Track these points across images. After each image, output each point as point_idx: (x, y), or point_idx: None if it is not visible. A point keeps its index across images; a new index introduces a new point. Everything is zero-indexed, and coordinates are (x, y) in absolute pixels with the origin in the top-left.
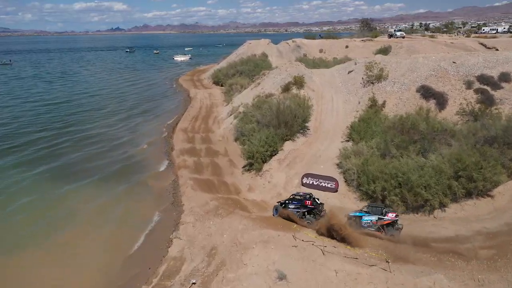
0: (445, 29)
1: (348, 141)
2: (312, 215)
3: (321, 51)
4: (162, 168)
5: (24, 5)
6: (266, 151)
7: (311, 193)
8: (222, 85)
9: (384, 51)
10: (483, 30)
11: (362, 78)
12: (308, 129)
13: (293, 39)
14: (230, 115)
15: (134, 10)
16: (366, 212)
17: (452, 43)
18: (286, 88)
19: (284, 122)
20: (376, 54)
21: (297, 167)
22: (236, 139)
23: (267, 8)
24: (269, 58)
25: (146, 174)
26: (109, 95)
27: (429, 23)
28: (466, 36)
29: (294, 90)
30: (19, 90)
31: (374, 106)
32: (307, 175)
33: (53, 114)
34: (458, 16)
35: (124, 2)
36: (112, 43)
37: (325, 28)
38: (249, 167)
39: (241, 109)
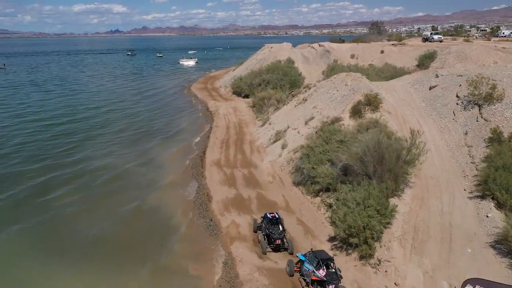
0: (454, 32)
1: (482, 197)
2: None
3: (352, 56)
4: (199, 248)
5: (23, 7)
6: (379, 223)
7: None
8: (246, 97)
9: (430, 57)
10: (503, 33)
11: (458, 96)
12: (408, 174)
13: (319, 43)
14: (274, 141)
15: (134, 12)
16: (306, 258)
17: (504, 48)
18: (356, 111)
19: (388, 169)
20: (420, 60)
21: (430, 250)
22: (298, 183)
23: (267, 10)
24: (295, 65)
25: (174, 261)
26: (114, 108)
27: (437, 26)
28: (486, 40)
29: (368, 114)
30: (10, 101)
31: (497, 140)
32: (474, 282)
33: (45, 136)
34: (457, 20)
35: (124, 4)
36: (111, 45)
37: (325, 31)
38: (347, 247)
39: (291, 136)
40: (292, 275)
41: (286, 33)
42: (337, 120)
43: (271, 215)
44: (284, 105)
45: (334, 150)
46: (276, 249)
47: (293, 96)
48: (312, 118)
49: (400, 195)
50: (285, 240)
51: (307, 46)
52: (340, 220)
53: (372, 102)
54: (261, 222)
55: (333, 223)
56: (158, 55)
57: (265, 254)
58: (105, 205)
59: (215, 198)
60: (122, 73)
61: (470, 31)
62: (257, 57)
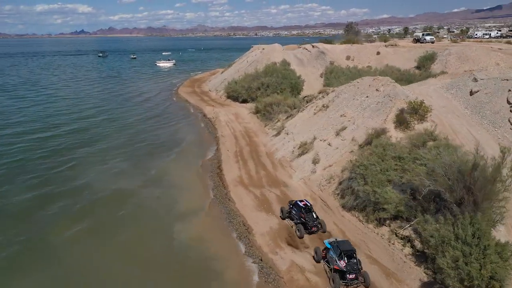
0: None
1: None
2: None
3: (348, 58)
4: None
5: None
6: (504, 270)
7: None
8: (244, 101)
9: (430, 58)
10: (476, 34)
11: (510, 103)
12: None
13: (312, 44)
14: (300, 154)
15: (100, 12)
16: (332, 246)
17: (500, 48)
18: (401, 120)
19: (485, 195)
20: (419, 61)
21: None
22: (350, 208)
23: (236, 12)
24: (291, 68)
25: None
26: (103, 118)
27: (408, 27)
28: (461, 41)
29: (416, 124)
30: None
31: None
32: None
33: (32, 155)
34: (420, 21)
35: (89, 4)
36: (79, 46)
37: (294, 32)
38: None
39: (321, 149)
40: (319, 262)
41: (256, 34)
42: (382, 132)
43: (302, 203)
44: (298, 111)
45: (393, 169)
46: (311, 233)
47: (307, 102)
48: (344, 128)
49: (495, 226)
50: (319, 225)
51: (297, 47)
52: (450, 266)
53: (418, 110)
54: (289, 209)
55: (421, 263)
56: (132, 56)
57: (302, 238)
58: (123, 244)
59: (256, 230)
60: (100, 76)
61: (439, 32)
62: (248, 59)
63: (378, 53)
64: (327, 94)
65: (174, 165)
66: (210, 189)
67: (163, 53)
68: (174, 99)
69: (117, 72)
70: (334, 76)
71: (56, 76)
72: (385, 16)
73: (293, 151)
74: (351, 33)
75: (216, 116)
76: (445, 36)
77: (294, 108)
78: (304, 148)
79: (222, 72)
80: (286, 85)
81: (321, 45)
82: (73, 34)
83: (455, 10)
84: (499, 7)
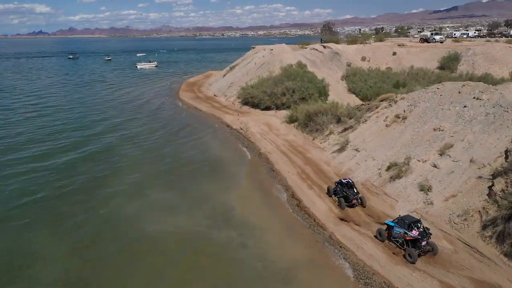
0: (395, 33)
1: None
2: None
3: (363, 59)
4: None
5: None
6: None
7: None
8: (266, 109)
9: (454, 59)
10: (454, 34)
11: None
12: None
13: (323, 44)
14: (395, 178)
15: (59, 12)
16: (396, 223)
17: None
18: None
19: None
20: (443, 61)
21: None
22: None
23: (201, 12)
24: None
25: None
26: (115, 133)
27: (381, 27)
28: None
29: None
30: None
31: None
32: None
33: (31, 184)
34: (382, 22)
35: (47, 4)
36: (41, 47)
37: (260, 32)
38: None
39: (425, 172)
40: (383, 241)
41: (223, 35)
42: None
43: (345, 180)
44: (360, 122)
45: None
46: (352, 206)
47: (367, 110)
48: (450, 146)
49: None
50: (360, 200)
51: (300, 47)
52: None
53: None
54: (335, 188)
55: None
56: (107, 58)
57: (344, 209)
58: None
59: None
60: (84, 81)
61: (409, 32)
62: (255, 61)
63: (394, 53)
64: (395, 102)
65: (231, 194)
66: (305, 229)
67: (138, 54)
68: (183, 106)
69: (101, 76)
70: (360, 79)
71: (33, 82)
72: (348, 16)
73: (379, 173)
74: (328, 33)
75: (246, 128)
76: (416, 36)
77: (350, 118)
78: (397, 171)
79: (224, 75)
80: (313, 90)
81: (333, 45)
82: (30, 34)
83: (414, 11)
84: (455, 8)
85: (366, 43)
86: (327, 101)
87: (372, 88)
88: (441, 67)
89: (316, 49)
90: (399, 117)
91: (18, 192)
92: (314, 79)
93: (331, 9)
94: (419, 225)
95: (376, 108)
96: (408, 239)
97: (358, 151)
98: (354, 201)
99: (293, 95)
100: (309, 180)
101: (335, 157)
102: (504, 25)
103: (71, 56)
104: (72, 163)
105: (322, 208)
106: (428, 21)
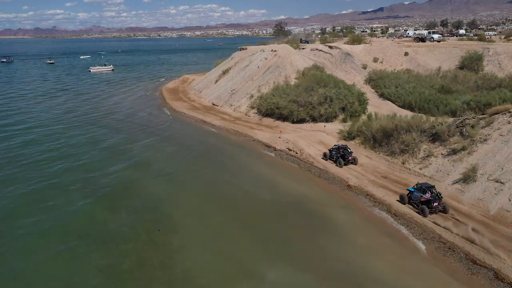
0: (340, 34)
1: None
2: None
3: (376, 60)
4: None
5: None
6: None
7: None
8: (300, 121)
9: (478, 59)
10: (408, 33)
11: None
12: None
13: (329, 45)
14: None
15: None
16: (415, 189)
17: None
18: None
19: None
20: (465, 61)
21: None
22: None
23: (133, 12)
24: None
25: None
26: (136, 170)
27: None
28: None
29: None
30: None
31: None
32: None
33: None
34: (315, 22)
35: None
36: None
37: (197, 33)
38: None
39: None
40: (404, 204)
41: (159, 35)
42: None
43: (339, 146)
44: (475, 142)
45: None
46: (347, 164)
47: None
48: None
49: None
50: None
51: (298, 48)
52: None
53: None
54: (330, 152)
55: None
56: (49, 61)
57: (342, 167)
58: None
59: None
60: (46, 91)
61: (355, 30)
62: (257, 64)
63: (406, 53)
64: None
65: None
66: None
67: (81, 57)
68: (189, 120)
69: (58, 83)
70: (393, 84)
71: None
72: (282, 17)
73: None
74: (281, 33)
75: (298, 148)
76: (406, 35)
77: (451, 136)
78: None
79: (216, 81)
80: (354, 98)
81: (343, 46)
82: None
83: (344, 12)
84: (381, 9)
85: (366, 43)
86: (366, 111)
87: (413, 94)
88: (461, 67)
89: (320, 50)
90: None
91: None
92: (350, 86)
93: (265, 10)
94: (433, 190)
95: (491, 123)
96: (422, 200)
97: (503, 183)
98: (350, 157)
99: (331, 105)
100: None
101: (463, 190)
102: (440, 25)
103: (4, 60)
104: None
105: None
106: (358, 21)
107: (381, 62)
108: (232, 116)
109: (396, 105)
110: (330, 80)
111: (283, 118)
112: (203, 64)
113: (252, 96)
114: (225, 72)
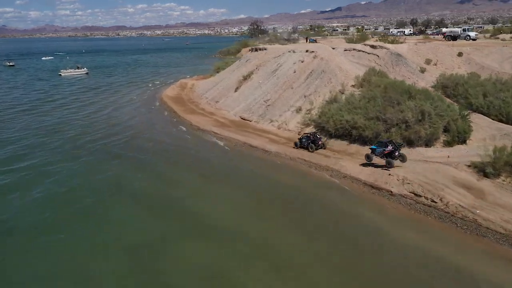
0: (312, 32)
1: None
2: None
3: (428, 62)
4: None
5: None
6: None
7: None
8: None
9: None
10: (391, 32)
11: None
12: None
13: (370, 44)
14: None
15: None
16: (377, 145)
17: None
18: None
19: None
20: None
21: None
22: None
23: (89, 10)
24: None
25: None
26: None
27: (295, 27)
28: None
29: None
30: None
31: None
32: None
33: None
34: (275, 21)
35: None
36: None
37: (158, 32)
38: None
39: None
40: (371, 161)
41: (118, 35)
42: None
43: (309, 134)
44: None
45: None
46: (317, 149)
47: None
48: None
49: None
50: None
51: (249, 50)
52: None
53: None
54: (300, 140)
55: None
56: (9, 64)
57: (313, 152)
58: None
59: None
60: (18, 102)
61: (337, 30)
62: (292, 68)
63: (460, 54)
64: None
65: None
66: None
67: (43, 58)
68: (231, 144)
69: (33, 91)
70: (479, 92)
71: None
72: (242, 16)
73: None
74: (257, 32)
75: (432, 192)
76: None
77: None
78: None
79: (236, 89)
80: (455, 113)
81: (390, 46)
82: None
83: (303, 11)
84: (339, 8)
85: (400, 42)
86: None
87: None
88: None
89: (360, 50)
90: None
91: None
92: (440, 96)
93: (225, 9)
94: (391, 141)
95: None
96: (386, 153)
97: None
98: (320, 142)
99: (431, 123)
100: None
101: None
102: (410, 23)
103: None
104: None
105: None
106: (318, 20)
107: (435, 64)
108: (281, 137)
109: (493, 118)
110: (411, 89)
111: (362, 140)
112: (188, 65)
113: (300, 109)
114: (246, 78)
